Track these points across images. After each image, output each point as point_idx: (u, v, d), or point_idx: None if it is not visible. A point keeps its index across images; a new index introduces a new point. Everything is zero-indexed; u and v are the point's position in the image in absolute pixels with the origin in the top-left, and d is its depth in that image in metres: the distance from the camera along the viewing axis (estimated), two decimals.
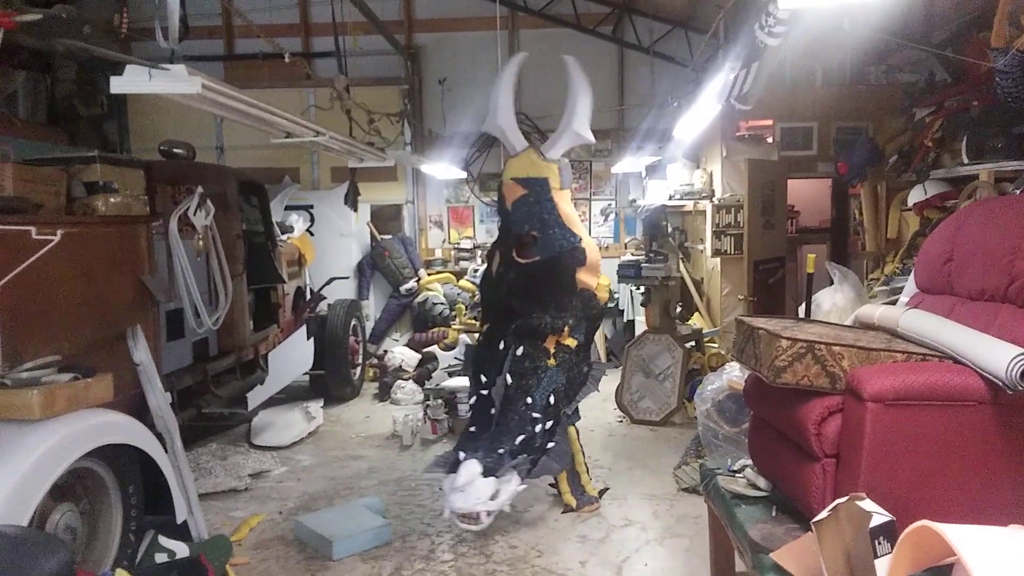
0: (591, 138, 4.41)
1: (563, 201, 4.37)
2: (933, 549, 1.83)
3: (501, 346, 4.37)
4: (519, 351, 4.33)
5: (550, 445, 4.21)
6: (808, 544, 2.22)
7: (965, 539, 1.74)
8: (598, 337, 8.39)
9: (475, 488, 3.78)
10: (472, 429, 4.25)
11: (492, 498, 3.81)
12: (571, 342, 4.39)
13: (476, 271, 9.12)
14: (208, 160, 8.15)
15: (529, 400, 4.22)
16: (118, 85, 3.18)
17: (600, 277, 4.51)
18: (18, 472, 2.73)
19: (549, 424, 4.22)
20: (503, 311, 4.41)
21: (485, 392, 4.32)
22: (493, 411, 4.25)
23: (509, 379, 4.29)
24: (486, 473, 3.85)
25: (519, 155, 4.42)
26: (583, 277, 4.36)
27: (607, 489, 4.67)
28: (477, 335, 4.74)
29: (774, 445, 2.75)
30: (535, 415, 4.18)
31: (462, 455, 3.99)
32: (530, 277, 4.33)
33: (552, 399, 4.25)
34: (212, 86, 3.34)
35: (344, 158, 6.42)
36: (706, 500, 3.20)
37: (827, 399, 2.39)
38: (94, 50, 3.44)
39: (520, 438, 4.09)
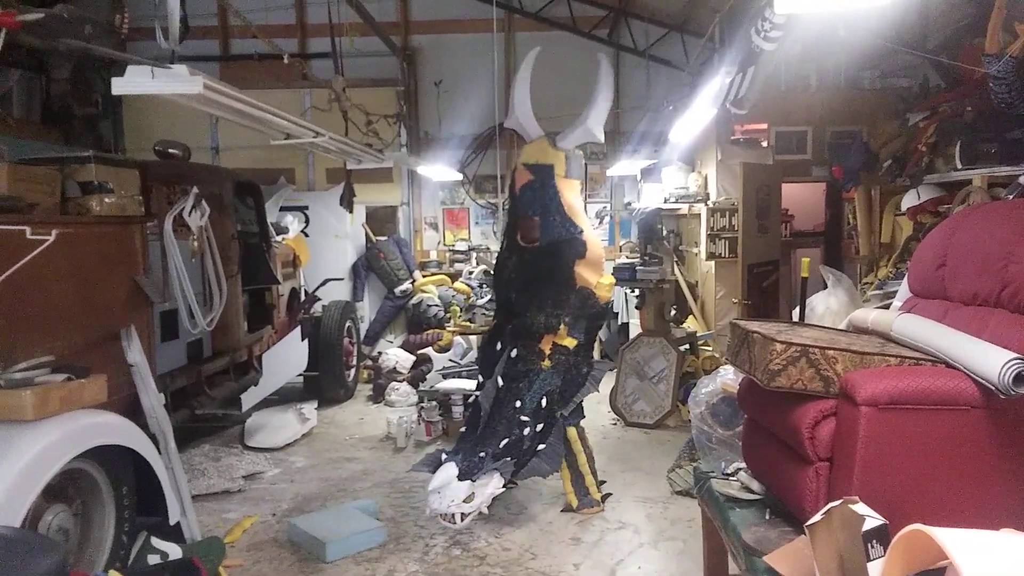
0: (601, 138, 4.49)
1: (568, 190, 4.38)
2: (926, 552, 1.84)
3: (499, 346, 4.39)
4: (513, 353, 4.34)
5: (540, 447, 4.23)
6: (801, 547, 2.23)
7: (957, 543, 1.75)
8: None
9: (450, 490, 3.89)
10: (463, 430, 4.29)
11: (467, 500, 3.90)
12: (569, 342, 4.37)
13: (471, 273, 9.13)
14: (203, 161, 8.13)
15: (518, 403, 4.23)
16: (119, 86, 3.18)
17: (602, 276, 4.49)
18: (11, 473, 2.72)
19: (540, 427, 4.24)
20: (505, 304, 4.43)
21: (480, 393, 4.37)
22: (482, 412, 4.28)
23: (500, 381, 4.30)
24: (462, 476, 3.95)
25: (532, 142, 4.47)
26: (582, 272, 4.34)
27: (610, 494, 4.66)
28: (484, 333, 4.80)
29: (768, 448, 2.76)
30: (524, 418, 4.20)
31: (443, 456, 4.08)
32: (530, 265, 4.34)
33: (544, 401, 4.26)
34: (214, 86, 3.34)
35: (341, 159, 6.42)
36: (700, 503, 3.21)
37: (821, 403, 2.40)
38: (96, 50, 3.44)
39: (505, 441, 4.14)
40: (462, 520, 3.91)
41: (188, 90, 3.19)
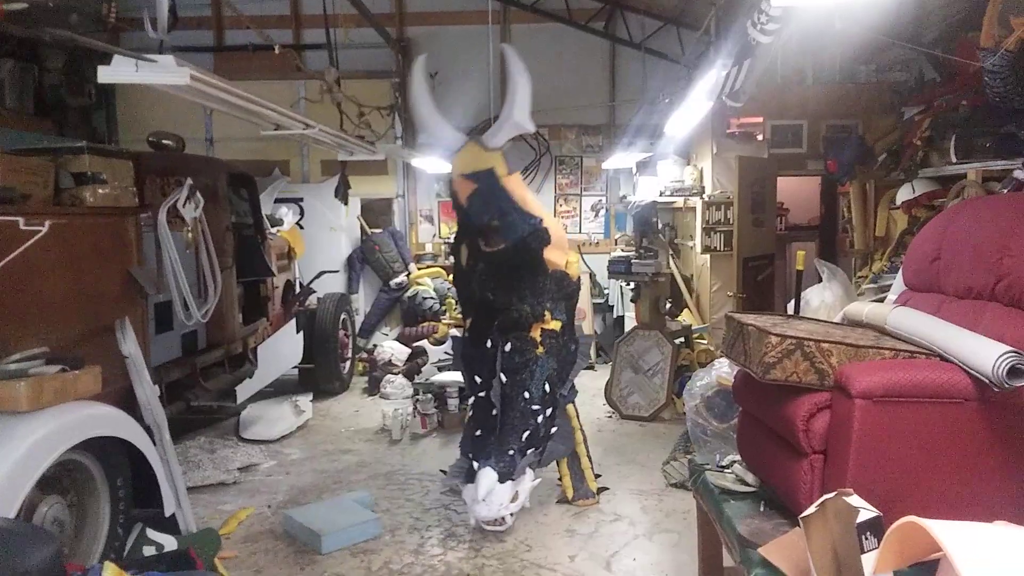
0: (531, 127, 4.35)
1: (515, 186, 4.33)
2: (920, 545, 1.85)
3: (488, 344, 4.39)
4: (507, 347, 4.35)
5: (553, 430, 4.36)
6: (796, 539, 2.24)
7: (951, 535, 1.76)
8: (588, 332, 8.42)
9: (496, 496, 3.95)
10: (478, 433, 4.28)
11: (512, 500, 4.00)
12: (555, 325, 4.41)
13: None
14: (197, 152, 8.09)
15: (527, 395, 4.27)
16: (105, 75, 3.15)
17: (568, 254, 4.52)
18: (5, 464, 2.71)
19: (549, 411, 4.32)
20: (482, 305, 4.41)
21: (483, 394, 4.36)
22: (494, 412, 4.28)
23: (503, 377, 4.32)
24: (502, 479, 4.00)
25: (463, 150, 4.36)
26: (551, 257, 4.35)
27: (606, 488, 4.67)
28: (462, 330, 4.75)
29: (762, 441, 2.77)
30: (535, 407, 4.25)
31: (476, 464, 4.09)
32: (500, 266, 4.33)
33: (547, 387, 4.33)
34: (201, 77, 3.32)
35: (334, 151, 6.40)
36: (695, 495, 3.22)
37: (815, 395, 2.41)
38: (80, 39, 3.40)
39: (525, 434, 4.19)
40: (511, 518, 4.04)
41: (175, 81, 3.16)
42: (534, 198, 4.49)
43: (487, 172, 4.27)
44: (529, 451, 4.19)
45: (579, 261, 4.67)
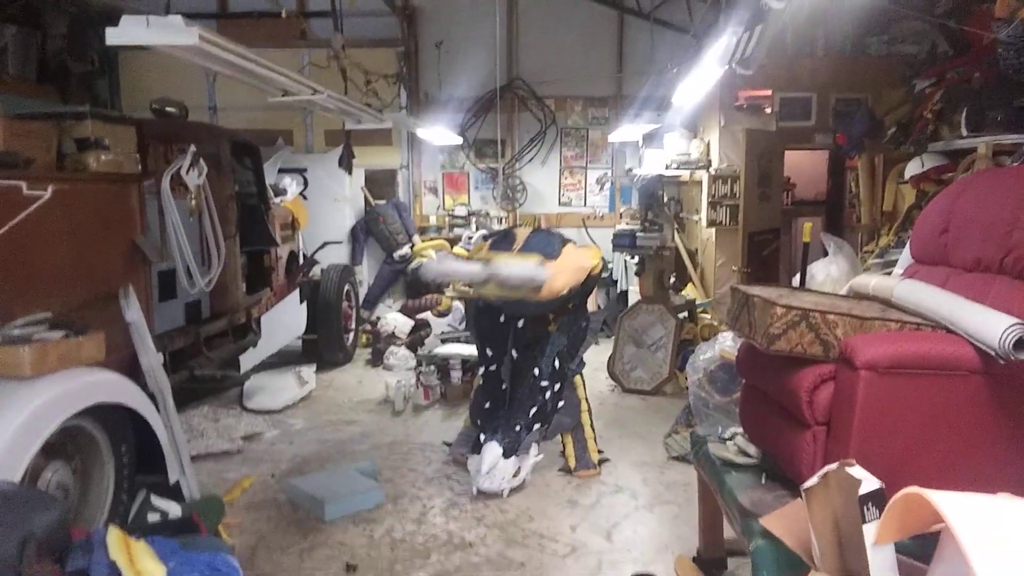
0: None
1: (563, 268, 4.25)
2: (921, 516, 1.84)
3: (502, 319, 4.40)
4: (520, 324, 4.42)
5: (560, 404, 4.44)
6: (797, 510, 2.24)
7: (953, 506, 1.75)
8: (591, 308, 8.40)
9: (499, 470, 4.14)
10: (487, 405, 4.38)
11: (515, 475, 4.17)
12: (569, 307, 4.50)
13: (470, 238, 9.09)
14: (201, 120, 8.04)
15: (536, 371, 4.37)
16: (113, 36, 3.12)
17: (592, 256, 4.49)
18: (9, 429, 2.71)
19: (557, 387, 4.42)
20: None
21: (493, 367, 4.46)
22: (504, 386, 4.41)
23: (515, 353, 4.41)
24: (507, 454, 4.17)
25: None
26: (580, 276, 4.36)
27: (607, 460, 4.69)
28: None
29: (765, 413, 2.76)
30: (543, 383, 4.36)
31: (483, 437, 4.23)
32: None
33: (557, 363, 4.43)
34: (209, 38, 3.28)
35: (340, 119, 6.35)
36: (696, 467, 3.23)
37: (820, 367, 2.39)
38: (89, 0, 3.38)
39: (533, 410, 4.33)
40: (509, 491, 4.17)
41: (183, 41, 3.12)
42: (578, 256, 4.42)
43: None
44: (535, 426, 4.33)
45: (601, 253, 4.69)
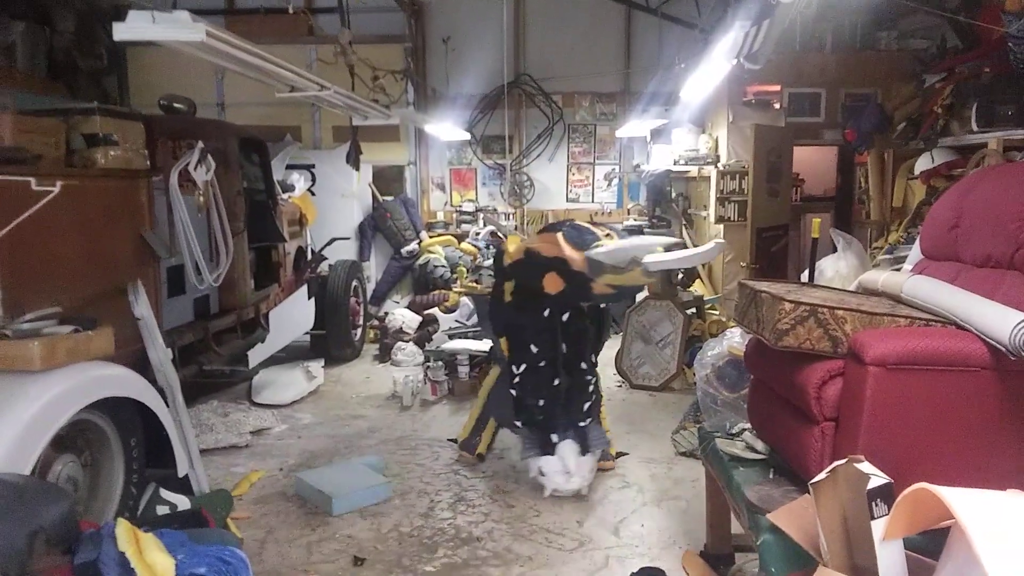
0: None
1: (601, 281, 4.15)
2: (930, 512, 1.84)
3: (546, 313, 4.30)
4: (565, 317, 4.33)
5: (597, 397, 4.46)
6: (805, 505, 2.24)
7: (963, 502, 1.74)
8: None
9: (583, 468, 4.09)
10: (542, 403, 4.25)
11: (590, 471, 4.16)
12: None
13: (478, 234, 9.09)
14: (209, 117, 8.06)
15: (584, 365, 4.36)
16: (120, 31, 3.12)
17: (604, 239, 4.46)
18: (20, 422, 2.73)
19: (597, 379, 4.45)
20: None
21: (543, 363, 4.27)
22: (557, 381, 4.26)
23: (564, 348, 4.32)
24: (583, 451, 4.13)
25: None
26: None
27: (625, 453, 4.70)
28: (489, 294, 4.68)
29: (773, 408, 2.75)
30: (589, 377, 4.36)
31: (555, 437, 4.15)
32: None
33: (594, 356, 4.46)
34: (216, 34, 3.28)
35: (347, 115, 6.35)
36: (704, 462, 3.22)
37: (828, 363, 2.38)
38: None
39: (587, 405, 4.30)
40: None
41: (190, 37, 3.12)
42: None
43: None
44: (589, 420, 4.30)
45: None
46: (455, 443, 4.84)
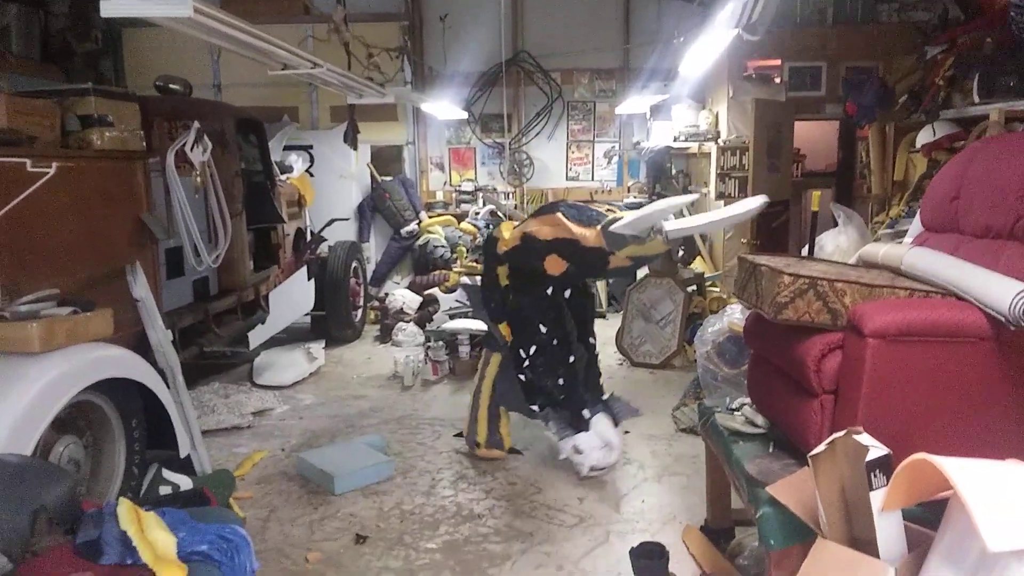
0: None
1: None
2: (929, 483, 1.83)
3: (550, 292, 4.28)
4: (567, 294, 4.33)
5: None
6: (804, 478, 2.24)
7: (961, 472, 1.74)
8: (599, 282, 8.39)
9: (616, 439, 4.11)
10: (561, 382, 4.24)
11: (621, 442, 4.20)
12: None
13: (477, 214, 9.06)
14: (205, 98, 8.01)
15: (592, 340, 4.41)
16: (108, 8, 3.09)
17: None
18: (20, 404, 2.74)
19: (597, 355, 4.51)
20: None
21: (556, 342, 4.24)
22: (572, 358, 4.24)
23: (573, 324, 4.35)
24: (615, 424, 4.20)
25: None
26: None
27: (626, 432, 4.68)
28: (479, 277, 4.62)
29: (773, 382, 2.75)
30: (596, 351, 4.44)
31: (586, 413, 4.14)
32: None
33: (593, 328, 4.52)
34: (204, 10, 3.25)
35: (343, 93, 6.31)
36: (704, 437, 3.23)
37: (828, 336, 2.37)
38: None
39: (599, 378, 4.40)
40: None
41: (177, 13, 3.09)
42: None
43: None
44: (606, 393, 4.38)
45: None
46: (461, 436, 4.61)
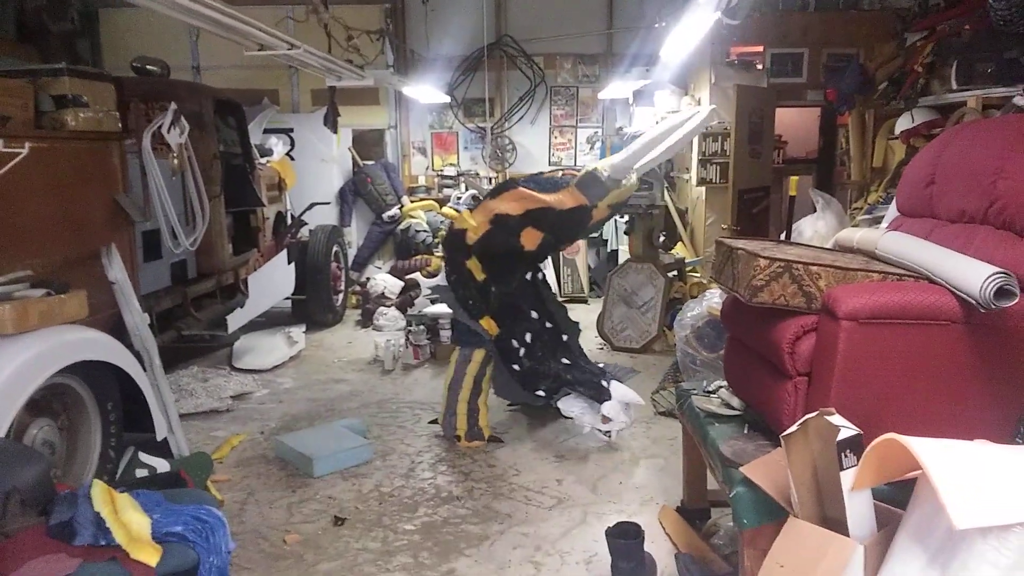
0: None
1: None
2: (898, 462, 1.86)
3: (529, 276, 4.43)
4: (540, 276, 4.49)
5: None
6: (777, 459, 2.26)
7: (929, 452, 1.77)
8: (581, 268, 8.42)
9: (633, 394, 4.26)
10: (566, 361, 4.37)
11: None
12: None
13: (459, 198, 9.03)
14: (183, 79, 7.91)
15: (566, 314, 4.60)
16: None
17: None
18: None
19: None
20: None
21: (549, 324, 4.43)
22: (565, 336, 4.46)
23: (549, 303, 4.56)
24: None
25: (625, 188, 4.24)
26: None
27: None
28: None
29: (748, 365, 2.77)
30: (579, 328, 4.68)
31: (604, 382, 4.23)
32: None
33: None
34: None
35: (322, 75, 6.25)
36: (681, 419, 3.25)
37: (802, 318, 2.40)
38: None
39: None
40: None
41: None
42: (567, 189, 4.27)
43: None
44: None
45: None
46: (435, 423, 4.58)
